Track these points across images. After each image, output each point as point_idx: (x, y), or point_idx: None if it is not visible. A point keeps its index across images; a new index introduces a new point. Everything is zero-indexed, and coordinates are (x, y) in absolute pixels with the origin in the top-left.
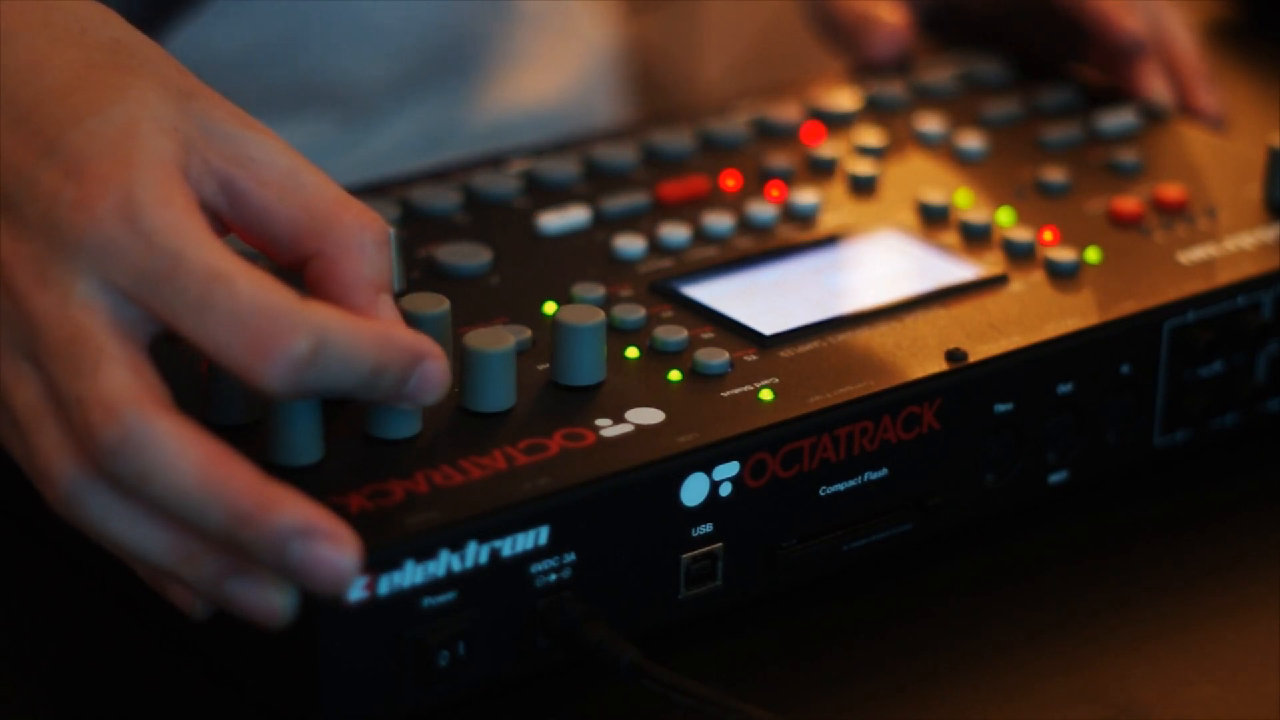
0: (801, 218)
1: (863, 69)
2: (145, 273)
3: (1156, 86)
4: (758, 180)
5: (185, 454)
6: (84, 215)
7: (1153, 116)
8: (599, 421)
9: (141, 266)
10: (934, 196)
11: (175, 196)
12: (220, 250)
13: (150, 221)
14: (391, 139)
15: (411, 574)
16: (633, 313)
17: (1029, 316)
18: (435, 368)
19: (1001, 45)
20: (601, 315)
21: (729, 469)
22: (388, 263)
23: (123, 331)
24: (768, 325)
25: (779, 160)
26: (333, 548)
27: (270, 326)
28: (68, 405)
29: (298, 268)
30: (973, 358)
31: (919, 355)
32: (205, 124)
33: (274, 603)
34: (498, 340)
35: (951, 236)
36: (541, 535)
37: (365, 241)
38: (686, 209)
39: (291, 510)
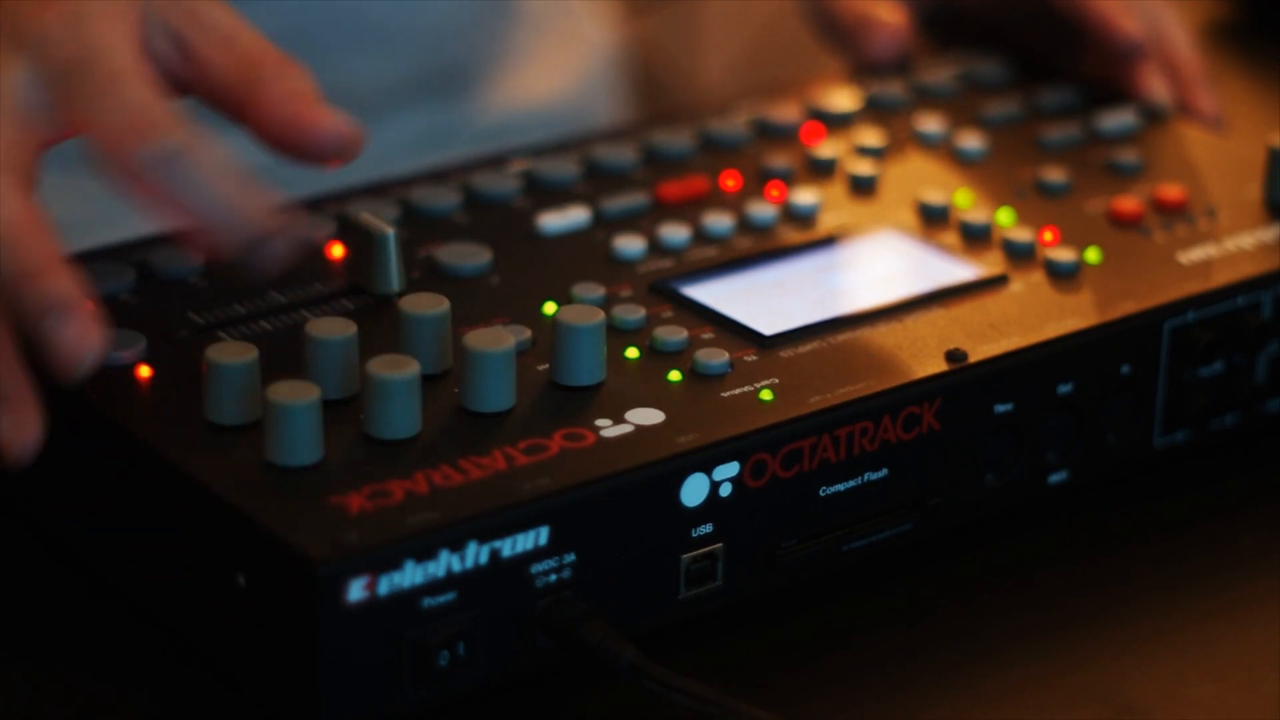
0: (801, 218)
1: (863, 69)
2: (67, 64)
3: (1156, 87)
4: (758, 180)
5: (6, 205)
6: (37, 15)
7: (1153, 117)
8: (599, 422)
9: (66, 57)
10: (934, 196)
11: (119, 20)
12: (134, 62)
13: (88, 27)
14: (391, 139)
15: (411, 574)
16: (633, 313)
17: (1029, 316)
18: (273, 250)
19: (1000, 45)
20: (601, 315)
21: (729, 469)
22: (311, 89)
23: (24, 118)
24: (768, 325)
25: (779, 160)
26: (79, 332)
27: (150, 119)
28: None
29: (241, 117)
30: (973, 358)
31: (919, 355)
32: None
33: (12, 442)
34: (498, 340)
35: (951, 236)
36: (541, 535)
37: (287, 69)
38: (686, 209)
39: (64, 285)
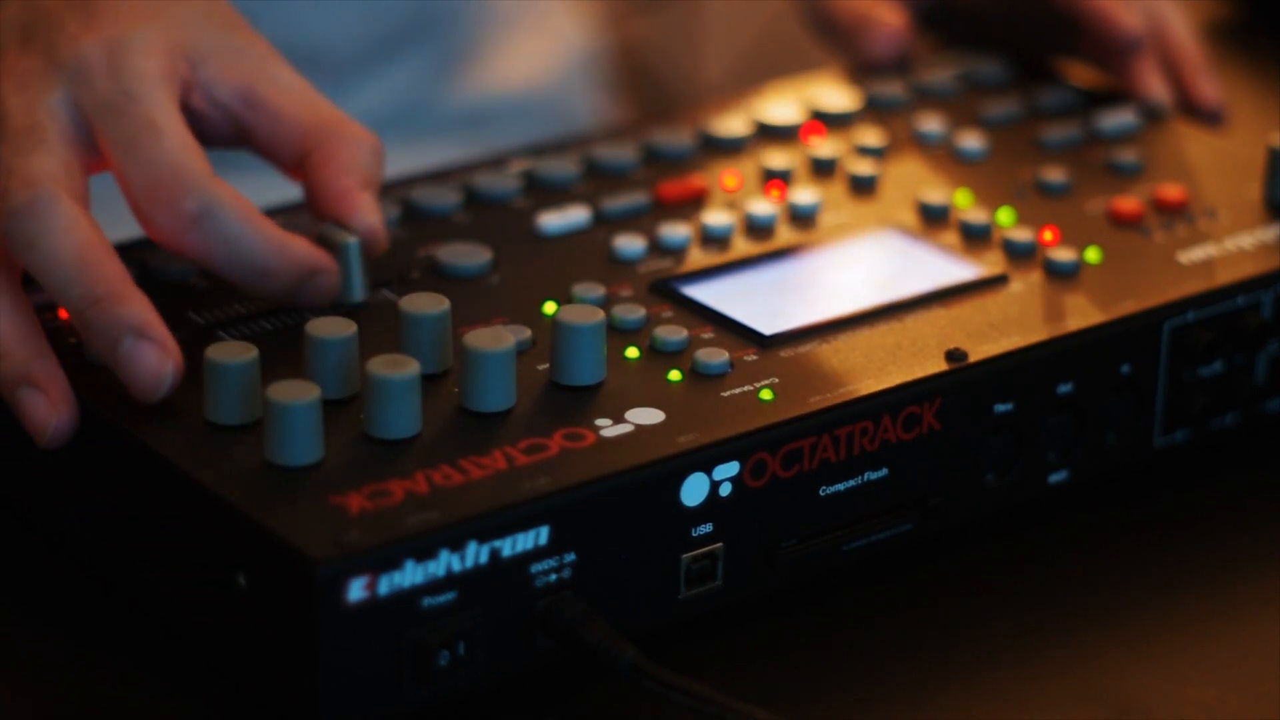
0: (801, 218)
1: (863, 69)
2: (104, 101)
3: (1154, 84)
4: (758, 180)
5: (73, 232)
6: (77, 44)
7: (1152, 116)
8: (599, 421)
9: (103, 95)
10: (934, 196)
11: (158, 56)
12: (169, 111)
13: (127, 64)
14: (362, 108)
15: (411, 574)
16: (633, 313)
17: (1029, 316)
18: (326, 282)
19: (997, 42)
20: (601, 315)
21: (729, 469)
22: (379, 172)
23: (71, 141)
24: (768, 325)
25: (779, 160)
26: (157, 354)
27: (172, 180)
28: (1, 175)
29: (297, 167)
30: (973, 358)
31: (919, 355)
32: (231, 45)
33: (46, 421)
34: (498, 340)
35: (951, 236)
36: (541, 535)
37: (364, 141)
38: (686, 209)
39: (138, 309)
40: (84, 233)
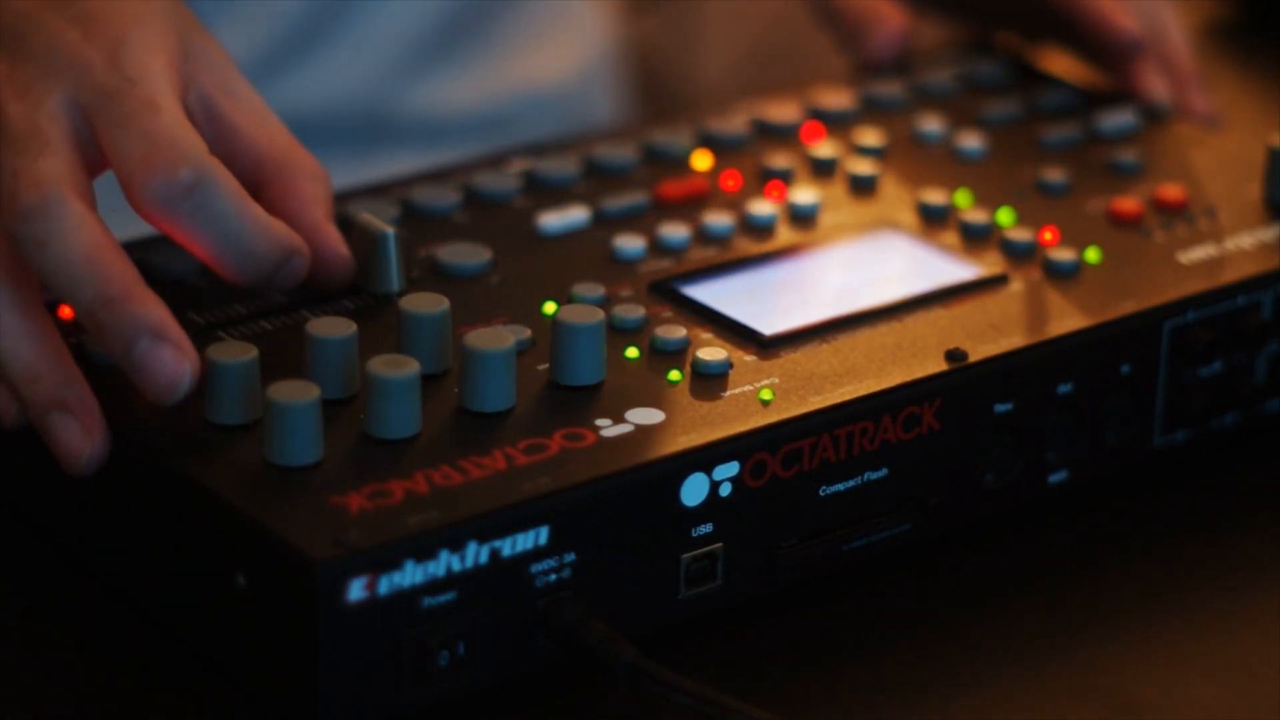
0: (801, 218)
1: (863, 69)
2: (104, 89)
3: (1153, 85)
4: (758, 180)
5: (83, 232)
6: (77, 47)
7: (1152, 117)
8: (599, 421)
9: (104, 84)
10: (934, 196)
11: (159, 53)
12: (170, 95)
13: (129, 57)
14: (405, 111)
15: (411, 574)
16: (633, 313)
17: (1029, 316)
18: (300, 265)
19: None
20: (601, 315)
21: (729, 469)
22: (331, 201)
23: (74, 142)
24: (768, 325)
25: (779, 160)
26: (173, 355)
27: (168, 150)
28: (4, 177)
29: (250, 191)
30: (973, 358)
31: (919, 355)
32: (201, 48)
33: (80, 447)
34: (498, 340)
35: (951, 236)
36: (541, 535)
37: (319, 176)
38: (686, 209)
39: (153, 310)
40: (95, 232)
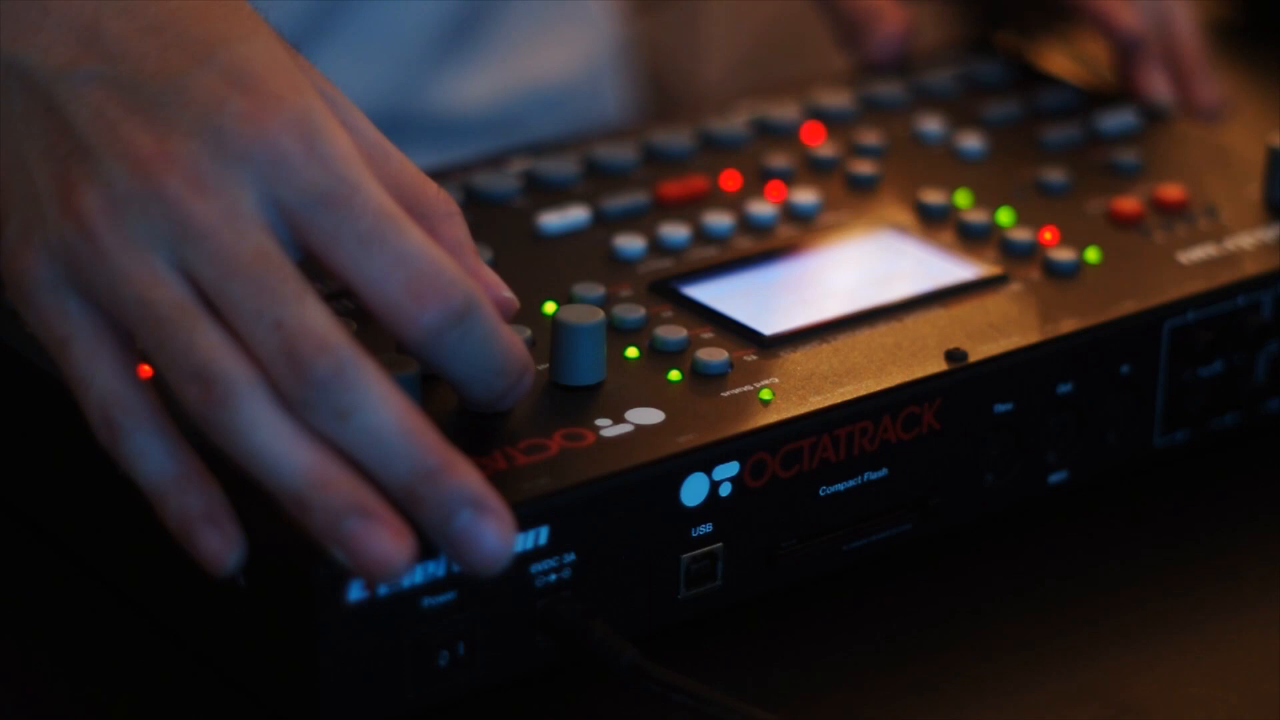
0: (801, 218)
1: (863, 69)
2: (319, 194)
3: (1156, 83)
4: (758, 180)
5: (390, 400)
6: (255, 127)
7: (1153, 117)
8: (599, 421)
9: (317, 187)
10: (934, 196)
11: (342, 129)
12: (389, 200)
13: (328, 147)
14: (417, 109)
15: (411, 574)
16: (633, 313)
17: (1029, 316)
18: (529, 382)
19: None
20: (601, 315)
21: (729, 469)
22: (470, 236)
23: (281, 245)
24: (768, 325)
25: (779, 160)
26: (497, 527)
27: (435, 274)
28: (261, 326)
29: None
30: (973, 358)
31: (919, 355)
32: (326, 90)
33: (389, 553)
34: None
35: (951, 236)
36: (541, 535)
37: (454, 210)
38: (686, 209)
39: (473, 479)
40: (400, 399)
